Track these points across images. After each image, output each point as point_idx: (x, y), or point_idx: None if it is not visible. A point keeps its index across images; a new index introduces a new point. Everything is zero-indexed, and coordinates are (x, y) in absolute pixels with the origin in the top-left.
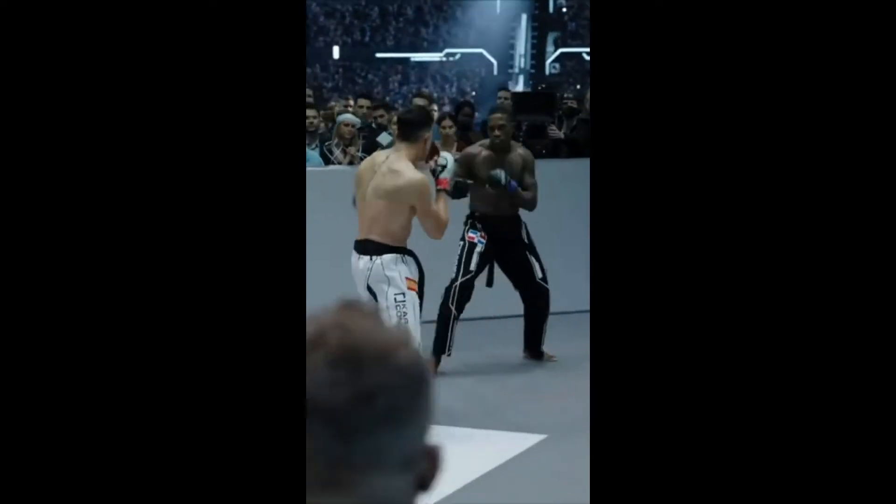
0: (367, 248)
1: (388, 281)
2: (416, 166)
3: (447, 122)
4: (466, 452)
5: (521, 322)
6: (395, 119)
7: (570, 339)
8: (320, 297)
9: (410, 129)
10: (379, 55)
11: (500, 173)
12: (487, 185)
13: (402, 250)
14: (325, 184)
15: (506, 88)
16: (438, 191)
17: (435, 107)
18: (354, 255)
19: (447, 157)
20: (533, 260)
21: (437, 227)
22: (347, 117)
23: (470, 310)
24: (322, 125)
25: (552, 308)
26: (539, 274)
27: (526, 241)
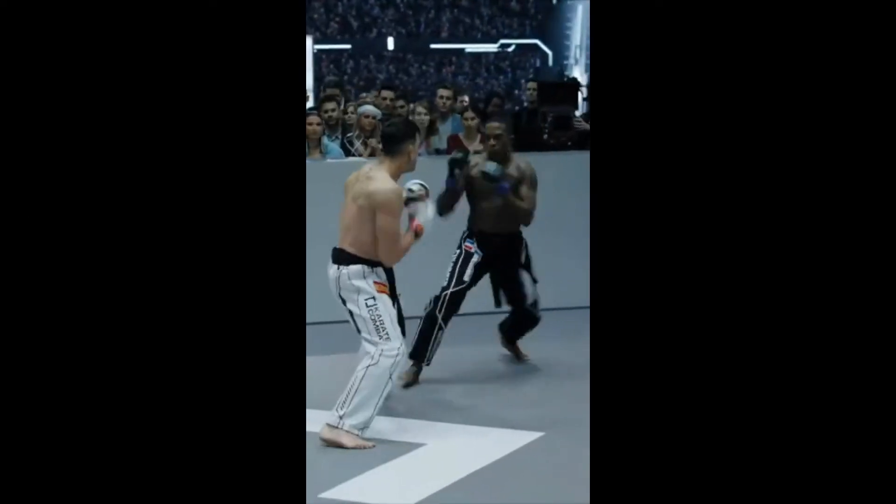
0: (339, 256)
1: (357, 290)
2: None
3: (469, 114)
4: (461, 448)
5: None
6: (416, 110)
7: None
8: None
9: (392, 142)
10: (433, 46)
11: (493, 166)
12: (483, 178)
13: (371, 262)
14: (345, 175)
15: (534, 79)
16: (408, 230)
17: (466, 98)
18: (330, 263)
19: (423, 198)
20: (526, 283)
21: (391, 248)
22: (368, 109)
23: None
24: (343, 117)
25: (571, 303)
26: (529, 300)
27: (523, 262)
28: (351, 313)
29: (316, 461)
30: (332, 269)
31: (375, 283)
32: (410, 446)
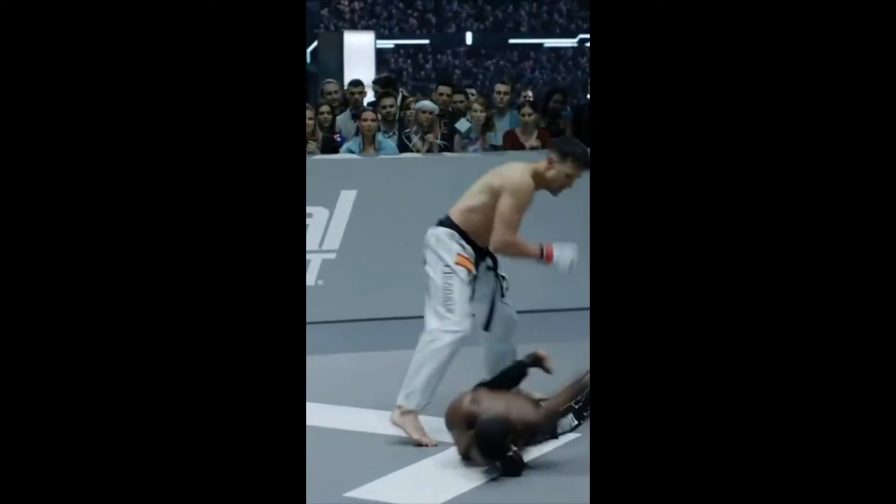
0: (442, 220)
1: (438, 254)
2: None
3: (527, 110)
4: None
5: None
6: (473, 107)
7: None
8: (401, 283)
9: (565, 143)
10: (512, 41)
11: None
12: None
13: (466, 237)
14: (398, 171)
15: None
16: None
17: (530, 93)
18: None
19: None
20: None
21: (502, 234)
22: (425, 104)
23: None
24: (404, 113)
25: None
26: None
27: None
28: (427, 276)
29: (342, 460)
30: (432, 228)
31: (459, 255)
32: (440, 446)
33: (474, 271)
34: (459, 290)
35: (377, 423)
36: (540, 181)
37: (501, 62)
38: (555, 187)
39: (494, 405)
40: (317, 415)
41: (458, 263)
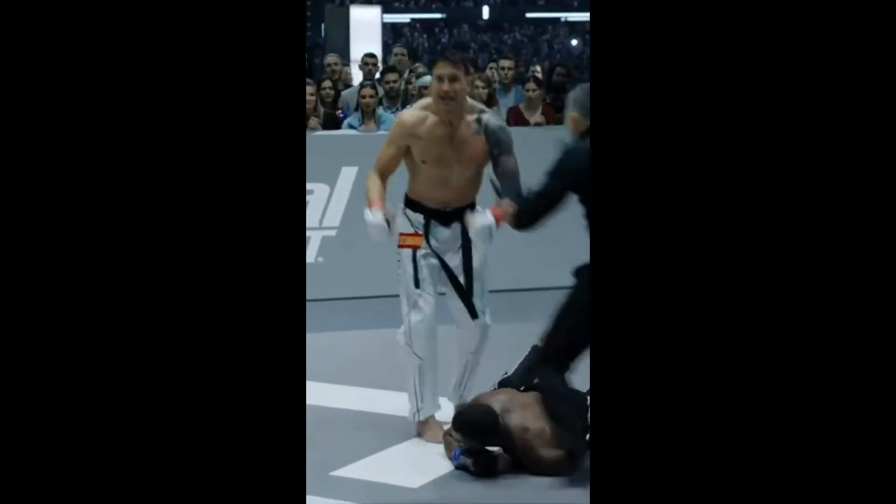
0: None
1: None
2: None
3: (531, 85)
4: None
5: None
6: (475, 83)
7: None
8: None
9: None
10: (529, 15)
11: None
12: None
13: (407, 201)
14: None
15: None
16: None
17: (538, 68)
18: None
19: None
20: None
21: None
22: (425, 80)
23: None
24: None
25: None
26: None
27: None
28: None
29: (329, 440)
30: None
31: (401, 235)
32: None
33: (423, 246)
34: (402, 277)
35: (373, 401)
36: (429, 103)
37: (518, 36)
38: (435, 96)
39: (521, 418)
40: (313, 393)
41: (400, 246)
